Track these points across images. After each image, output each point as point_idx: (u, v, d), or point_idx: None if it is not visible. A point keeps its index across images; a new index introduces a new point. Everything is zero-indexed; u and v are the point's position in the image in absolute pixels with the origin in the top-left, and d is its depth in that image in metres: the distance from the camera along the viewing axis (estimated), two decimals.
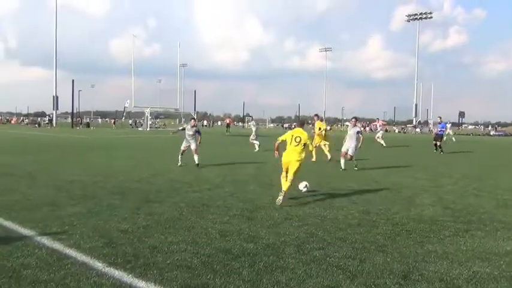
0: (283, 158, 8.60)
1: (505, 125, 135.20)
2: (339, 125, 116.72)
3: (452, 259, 5.11)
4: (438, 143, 23.18)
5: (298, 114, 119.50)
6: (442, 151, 22.77)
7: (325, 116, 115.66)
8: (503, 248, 5.62)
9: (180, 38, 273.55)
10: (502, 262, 5.04)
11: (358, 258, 5.04)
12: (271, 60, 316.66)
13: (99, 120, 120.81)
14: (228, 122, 58.09)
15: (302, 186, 9.26)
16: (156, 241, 5.54)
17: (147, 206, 7.68)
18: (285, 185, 8.30)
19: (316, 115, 19.64)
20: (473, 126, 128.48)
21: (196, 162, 13.74)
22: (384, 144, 27.61)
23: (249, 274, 4.48)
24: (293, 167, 8.34)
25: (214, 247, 5.35)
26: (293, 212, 7.47)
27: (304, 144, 8.45)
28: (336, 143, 17.18)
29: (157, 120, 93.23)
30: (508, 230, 6.55)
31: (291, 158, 8.42)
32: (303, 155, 8.52)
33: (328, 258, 5.02)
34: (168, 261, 4.79)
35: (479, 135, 73.63)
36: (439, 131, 24.02)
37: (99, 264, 4.65)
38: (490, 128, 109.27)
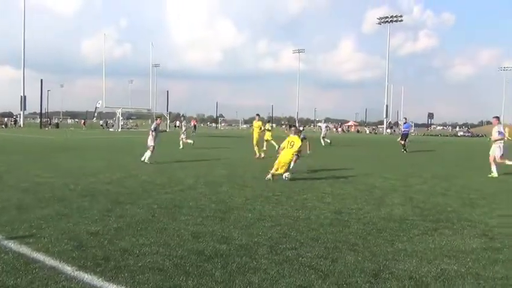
0: (279, 157, 11.49)
1: (472, 126, 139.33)
2: (312, 126, 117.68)
3: (421, 257, 5.22)
4: (403, 142, 24.46)
5: (271, 115, 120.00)
6: (405, 150, 23.94)
7: (298, 117, 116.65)
8: (470, 245, 5.78)
9: (152, 38, 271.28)
10: (468, 259, 5.17)
11: (330, 258, 5.09)
12: (245, 61, 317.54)
13: (69, 120, 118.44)
14: (193, 123, 58.32)
15: (286, 174, 11.36)
16: (127, 243, 5.46)
17: (118, 207, 7.56)
18: (276, 171, 11.25)
19: (257, 115, 21.43)
20: (442, 127, 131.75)
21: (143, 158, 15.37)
22: (328, 142, 29.89)
23: (222, 275, 4.47)
24: (286, 163, 11.32)
25: (186, 249, 5.31)
26: (266, 212, 7.49)
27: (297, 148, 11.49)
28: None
29: (129, 120, 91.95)
30: (474, 228, 6.74)
31: (285, 158, 11.37)
32: (294, 155, 11.66)
33: (300, 258, 5.05)
34: (140, 264, 4.73)
35: (447, 135, 75.55)
36: (404, 131, 25.53)
37: (68, 268, 4.55)
38: (457, 128, 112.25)
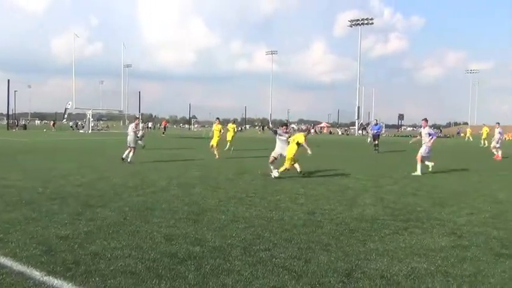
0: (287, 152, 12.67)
1: (440, 127, 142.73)
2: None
3: (392, 256, 5.31)
4: (376, 142, 25.61)
5: (245, 117, 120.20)
6: (377, 151, 25.02)
7: (271, 118, 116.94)
8: (439, 244, 5.91)
9: (124, 38, 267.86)
10: (437, 258, 5.29)
11: (304, 258, 5.12)
12: (218, 62, 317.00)
13: (37, 122, 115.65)
14: (164, 124, 58.17)
15: (275, 172, 12.18)
16: (98, 247, 5.36)
17: (89, 211, 7.42)
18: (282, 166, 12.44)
19: (217, 118, 22.32)
20: (412, 128, 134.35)
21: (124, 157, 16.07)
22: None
23: (195, 278, 4.43)
24: (290, 157, 12.50)
25: (159, 251, 5.25)
26: (239, 214, 7.48)
27: (299, 144, 12.60)
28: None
29: (100, 122, 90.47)
30: (443, 226, 6.90)
31: (290, 152, 12.56)
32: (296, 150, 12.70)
33: (274, 259, 5.06)
34: (111, 268, 4.65)
35: (417, 136, 77.15)
36: (376, 132, 26.58)
37: (37, 273, 4.43)
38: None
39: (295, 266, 4.85)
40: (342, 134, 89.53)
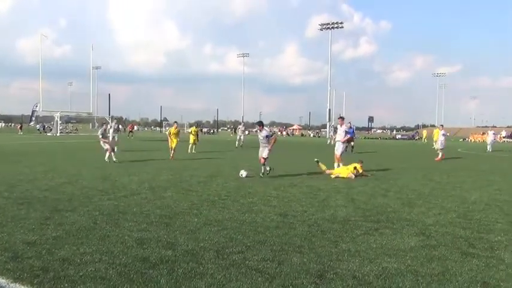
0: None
1: (409, 129, 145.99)
2: (255, 130, 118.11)
3: (363, 256, 5.39)
4: (352, 143, 26.74)
5: (217, 119, 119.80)
6: (352, 150, 26.57)
7: (243, 120, 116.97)
8: (409, 244, 6.03)
9: (94, 39, 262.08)
10: (407, 257, 5.40)
11: (277, 260, 5.14)
12: (190, 64, 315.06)
13: (2, 124, 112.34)
14: (130, 128, 57.58)
15: (244, 173, 12.77)
16: (67, 253, 5.24)
17: (58, 215, 7.24)
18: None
19: (175, 122, 23.64)
20: (381, 131, 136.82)
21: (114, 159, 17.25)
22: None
23: (168, 282, 4.39)
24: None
25: (130, 256, 5.17)
26: (212, 217, 7.45)
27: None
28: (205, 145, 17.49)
29: (69, 124, 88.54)
30: (412, 227, 7.05)
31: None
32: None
33: (247, 262, 5.06)
34: (81, 273, 4.55)
35: (386, 138, 78.57)
36: (350, 136, 27.27)
37: (2, 281, 4.30)
38: (394, 132, 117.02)
39: (268, 268, 4.85)
40: (314, 136, 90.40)
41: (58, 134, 57.67)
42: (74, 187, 10.45)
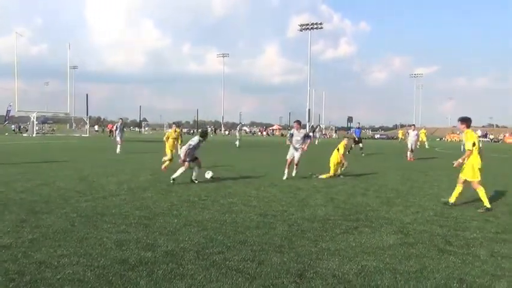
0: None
1: (387, 129, 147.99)
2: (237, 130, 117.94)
3: (343, 255, 5.43)
4: (361, 145, 26.46)
5: (197, 119, 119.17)
6: (362, 153, 25.90)
7: (224, 121, 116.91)
8: (387, 242, 6.11)
9: (71, 39, 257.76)
10: (386, 255, 5.47)
11: (257, 260, 5.14)
12: (169, 63, 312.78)
13: None
14: (109, 128, 56.93)
15: (208, 175, 12.26)
16: (44, 255, 5.14)
17: (34, 217, 7.10)
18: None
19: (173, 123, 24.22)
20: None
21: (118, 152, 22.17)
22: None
23: (147, 284, 4.35)
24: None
25: (109, 258, 5.11)
26: (192, 217, 7.41)
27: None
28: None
29: (45, 125, 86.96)
30: (391, 225, 7.14)
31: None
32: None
33: (227, 262, 5.05)
34: (58, 276, 4.47)
35: (365, 138, 79.38)
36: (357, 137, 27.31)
37: None
38: (370, 131, 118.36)
39: (248, 268, 4.85)
40: None
41: (34, 135, 56.56)
42: (51, 189, 10.26)
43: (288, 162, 13.44)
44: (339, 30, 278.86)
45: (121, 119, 26.55)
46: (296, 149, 13.47)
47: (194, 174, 11.83)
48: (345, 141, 14.74)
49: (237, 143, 33.91)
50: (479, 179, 8.78)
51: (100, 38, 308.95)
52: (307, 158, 18.21)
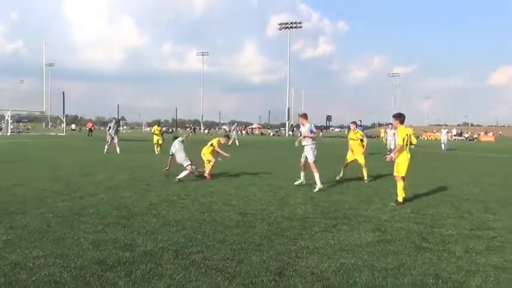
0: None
1: (366, 127, 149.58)
2: (217, 129, 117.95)
3: (322, 253, 5.47)
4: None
5: (175, 118, 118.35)
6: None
7: (203, 119, 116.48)
8: (365, 239, 6.18)
9: (48, 35, 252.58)
10: (364, 253, 5.53)
11: (236, 259, 5.14)
12: (148, 62, 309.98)
13: None
14: (89, 126, 56.06)
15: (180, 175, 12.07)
16: (19, 257, 5.04)
17: (8, 218, 6.94)
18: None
19: (114, 118, 25.77)
20: (339, 129, 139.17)
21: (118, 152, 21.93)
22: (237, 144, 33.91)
23: (125, 284, 4.30)
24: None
25: (86, 259, 5.03)
26: (171, 217, 7.36)
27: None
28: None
29: (20, 124, 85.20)
30: (369, 223, 7.22)
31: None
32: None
33: (207, 261, 5.03)
34: (34, 278, 4.39)
35: (343, 137, 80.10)
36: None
37: None
38: (347, 131, 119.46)
39: (228, 267, 4.85)
40: (273, 135, 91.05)
41: (9, 134, 55.41)
42: (26, 189, 10.05)
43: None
44: (318, 29, 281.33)
45: (114, 118, 25.99)
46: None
47: (182, 174, 11.91)
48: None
49: (237, 142, 34.27)
50: (403, 175, 9.20)
51: (78, 35, 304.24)
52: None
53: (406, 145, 9.23)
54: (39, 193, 9.45)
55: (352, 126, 14.39)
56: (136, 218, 7.18)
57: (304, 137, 11.29)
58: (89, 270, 4.67)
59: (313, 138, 11.22)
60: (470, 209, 8.61)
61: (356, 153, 13.39)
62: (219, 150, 13.06)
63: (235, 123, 40.95)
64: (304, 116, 11.47)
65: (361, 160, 13.13)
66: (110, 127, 24.18)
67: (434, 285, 4.50)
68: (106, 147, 22.79)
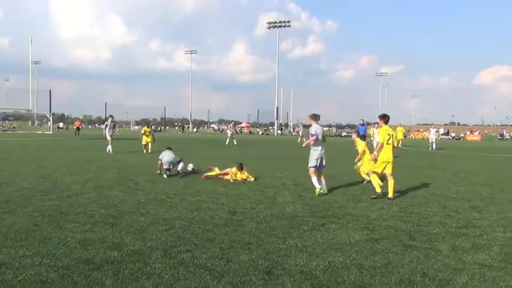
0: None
1: (354, 126, 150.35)
2: (205, 127, 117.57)
3: (310, 252, 5.49)
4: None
5: (164, 117, 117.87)
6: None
7: (192, 118, 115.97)
8: (353, 238, 6.22)
9: (34, 33, 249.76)
10: (352, 251, 5.56)
11: (225, 258, 5.13)
12: (136, 60, 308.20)
13: None
14: (77, 125, 55.56)
15: (189, 167, 13.14)
16: (4, 256, 4.97)
17: None
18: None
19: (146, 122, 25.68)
20: (328, 128, 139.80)
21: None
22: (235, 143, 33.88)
23: (113, 283, 4.27)
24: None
25: (74, 258, 4.99)
26: (160, 215, 7.33)
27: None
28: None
29: (6, 122, 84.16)
30: (357, 221, 7.26)
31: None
32: None
33: (195, 260, 5.02)
34: (20, 278, 4.33)
35: (332, 136, 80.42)
36: (362, 133, 26.74)
37: None
38: (335, 130, 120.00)
39: (216, 266, 4.84)
40: (262, 133, 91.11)
41: None
42: (12, 188, 9.93)
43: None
44: (306, 28, 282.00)
45: (111, 116, 24.48)
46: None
47: (179, 167, 12.70)
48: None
49: (235, 141, 34.22)
50: (379, 171, 9.76)
51: (65, 32, 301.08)
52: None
53: (388, 144, 9.72)
54: (25, 192, 9.35)
55: (354, 135, 14.09)
56: (124, 217, 7.14)
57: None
58: (76, 269, 4.63)
59: (314, 141, 10.52)
60: (457, 207, 8.70)
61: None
62: (239, 178, 12.11)
63: (232, 122, 40.83)
64: (312, 116, 10.83)
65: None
66: (106, 125, 23.35)
67: (422, 283, 4.54)
68: (109, 147, 21.73)
